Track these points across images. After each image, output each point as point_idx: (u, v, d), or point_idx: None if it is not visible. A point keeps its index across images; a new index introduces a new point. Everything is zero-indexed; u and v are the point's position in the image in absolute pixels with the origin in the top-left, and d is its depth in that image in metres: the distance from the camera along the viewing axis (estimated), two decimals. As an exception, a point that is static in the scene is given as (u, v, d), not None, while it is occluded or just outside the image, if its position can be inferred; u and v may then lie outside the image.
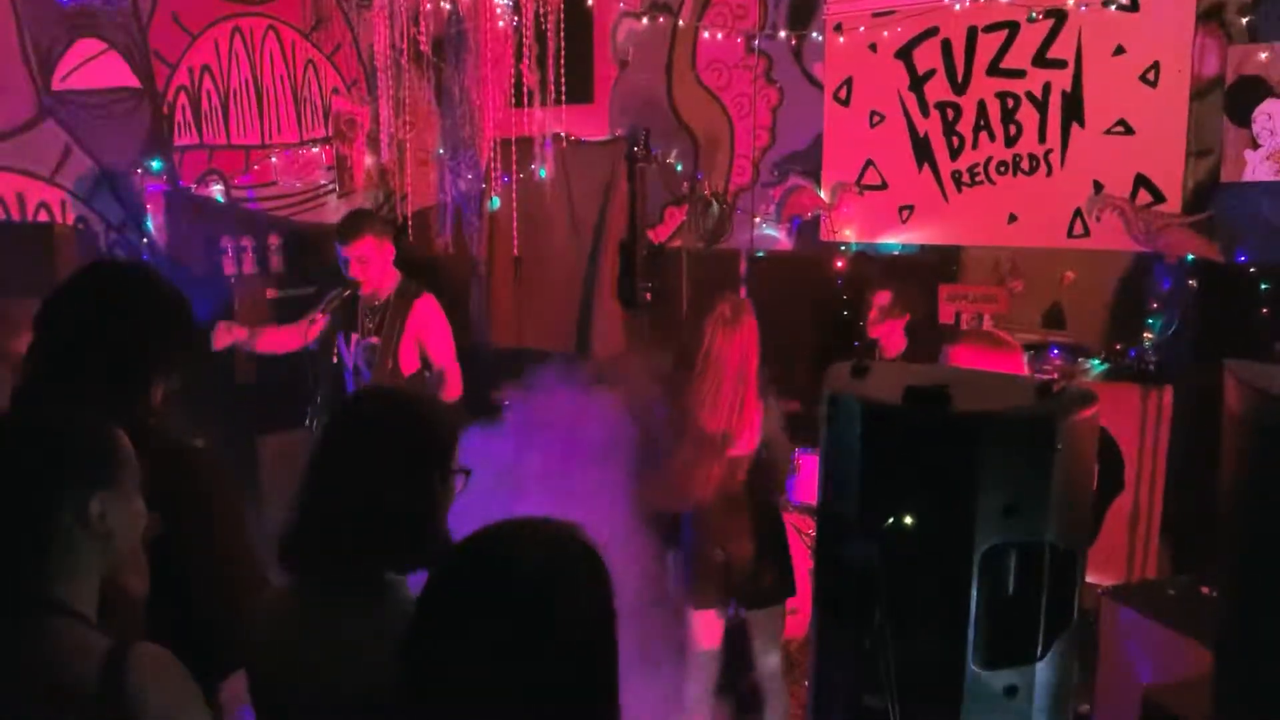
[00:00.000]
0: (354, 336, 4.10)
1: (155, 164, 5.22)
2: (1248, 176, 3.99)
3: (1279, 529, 1.26)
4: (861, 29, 4.85)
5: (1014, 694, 1.40)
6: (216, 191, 5.51)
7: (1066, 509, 1.39)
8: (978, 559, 1.36)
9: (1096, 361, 4.38)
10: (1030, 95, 4.48)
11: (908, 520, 1.38)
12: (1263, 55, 3.92)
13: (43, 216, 4.92)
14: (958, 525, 1.36)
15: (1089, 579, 3.65)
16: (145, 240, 5.16)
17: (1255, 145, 3.97)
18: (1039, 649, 1.40)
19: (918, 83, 4.76)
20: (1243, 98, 3.98)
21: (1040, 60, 4.43)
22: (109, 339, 1.91)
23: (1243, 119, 3.98)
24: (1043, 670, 1.41)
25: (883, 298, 4.28)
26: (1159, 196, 4.22)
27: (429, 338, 4.05)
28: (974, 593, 1.37)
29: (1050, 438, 1.36)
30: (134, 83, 5.21)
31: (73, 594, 1.48)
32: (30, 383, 1.90)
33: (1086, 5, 4.26)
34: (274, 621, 1.73)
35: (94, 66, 5.05)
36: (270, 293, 5.04)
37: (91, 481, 1.51)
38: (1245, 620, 1.34)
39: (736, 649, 3.55)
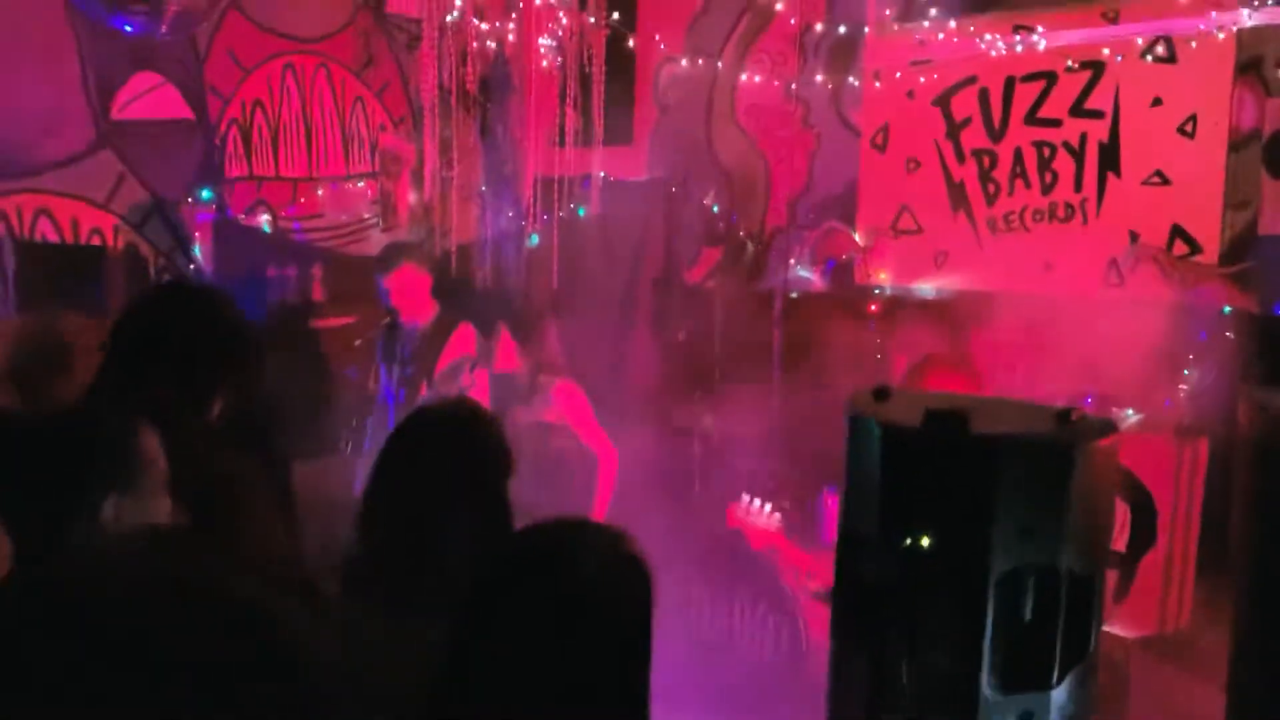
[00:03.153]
0: (394, 366, 4.19)
1: (205, 193, 5.37)
2: (1286, 229, 3.98)
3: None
4: (899, 76, 4.91)
5: (1029, 720, 1.41)
6: (264, 222, 5.65)
7: (1083, 535, 1.41)
8: (994, 582, 1.38)
9: (1131, 412, 4.35)
10: (1067, 144, 4.50)
11: (925, 541, 1.40)
12: (1301, 108, 3.92)
13: (95, 241, 5.07)
14: (974, 548, 1.38)
15: (1121, 631, 3.63)
16: (192, 267, 5.29)
17: (1294, 198, 3.96)
18: (1055, 676, 1.41)
19: (954, 130, 4.81)
20: (1281, 151, 3.98)
21: (1078, 110, 4.46)
22: (176, 353, 1.99)
23: (1281, 172, 3.98)
24: (1058, 697, 1.42)
25: (901, 363, 4.34)
26: (1195, 247, 4.21)
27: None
28: (989, 616, 1.38)
29: (1068, 463, 1.38)
30: (188, 115, 5.38)
31: None
32: (100, 389, 1.98)
33: (1123, 57, 4.29)
34: (329, 637, 1.74)
35: (151, 98, 5.23)
36: (313, 322, 5.14)
37: (107, 485, 1.54)
38: (1256, 639, 1.35)
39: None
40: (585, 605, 1.27)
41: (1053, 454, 1.39)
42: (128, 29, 4.61)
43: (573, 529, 1.40)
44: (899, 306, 4.88)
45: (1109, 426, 1.46)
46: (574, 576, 1.29)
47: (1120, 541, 4.14)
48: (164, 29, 4.54)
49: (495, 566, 1.36)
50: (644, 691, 1.31)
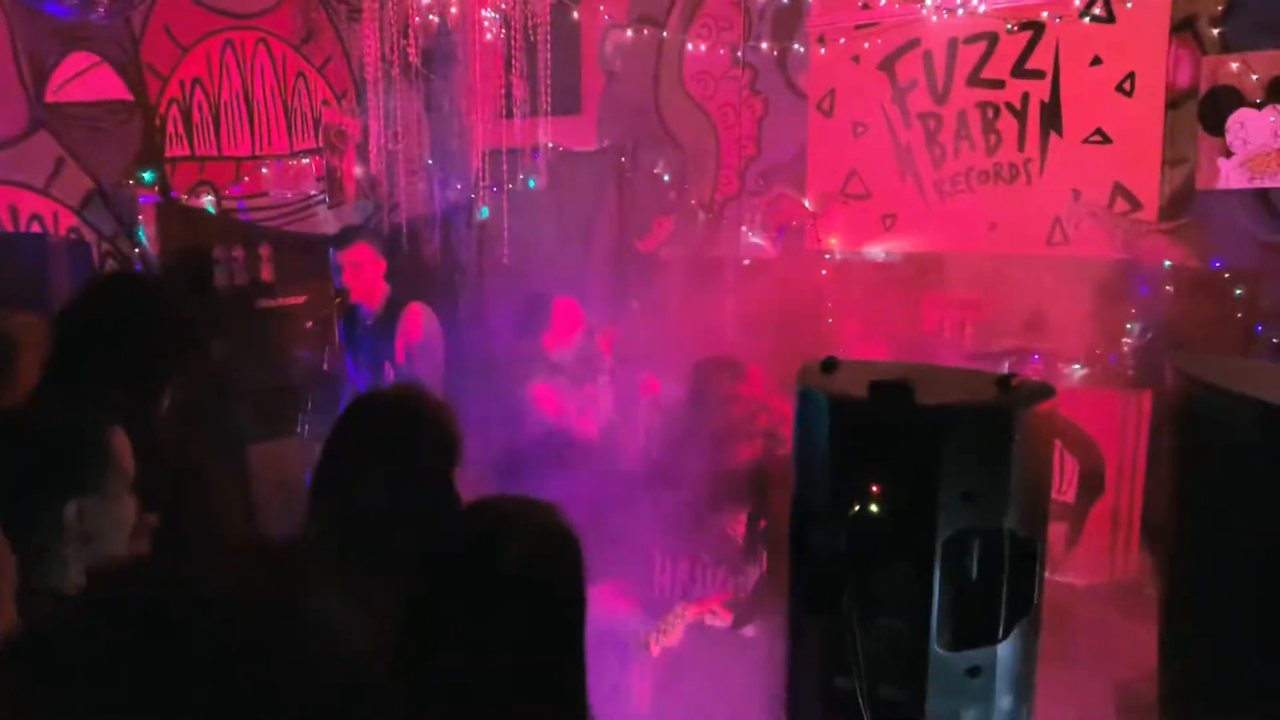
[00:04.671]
0: (358, 354, 4.18)
1: (147, 175, 5.27)
2: (1221, 184, 4.07)
3: (1207, 513, 1.32)
4: (843, 41, 4.93)
5: (977, 675, 1.46)
6: (208, 202, 5.57)
7: (1025, 496, 1.46)
8: (940, 546, 1.43)
9: (1077, 367, 4.45)
10: (1009, 105, 4.56)
11: (874, 509, 1.44)
12: (1234, 65, 4.00)
13: (35, 228, 4.97)
14: (921, 513, 1.42)
15: (1071, 579, 3.73)
16: (137, 251, 5.21)
17: (1228, 154, 4.05)
18: (1000, 631, 1.46)
19: (900, 93, 4.84)
20: (1216, 107, 4.06)
21: (1019, 71, 4.51)
22: (123, 347, 1.97)
23: (1216, 128, 4.07)
24: (1005, 652, 1.47)
25: (847, 329, 4.41)
26: (1136, 204, 4.29)
27: (415, 345, 4.10)
28: (937, 578, 1.43)
29: (1008, 429, 1.42)
30: (126, 95, 5.27)
31: (57, 581, 1.51)
32: (45, 389, 1.95)
33: (1062, 17, 4.34)
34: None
35: (87, 79, 5.11)
36: (261, 302, 5.08)
37: (67, 488, 1.53)
38: (1181, 608, 1.41)
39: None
40: (518, 576, 1.31)
41: (994, 420, 1.43)
42: (56, 11, 4.50)
43: (504, 505, 1.44)
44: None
45: (1047, 391, 1.50)
46: (506, 549, 1.34)
47: (1069, 493, 4.25)
48: (100, 12, 4.43)
49: (432, 544, 1.39)
50: (580, 655, 1.35)
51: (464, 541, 1.37)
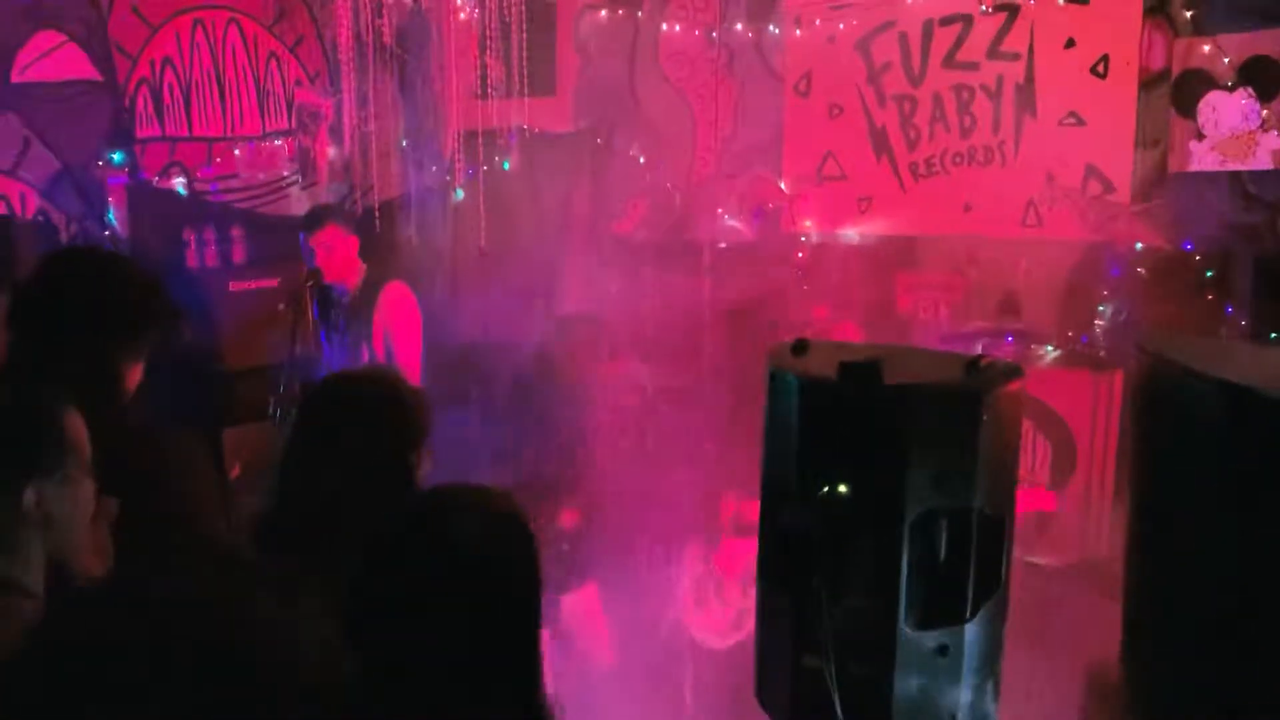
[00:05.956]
0: (332, 333, 4.14)
1: (116, 156, 5.21)
2: (1193, 167, 4.10)
3: (1172, 493, 1.33)
4: (819, 22, 4.92)
5: (945, 653, 1.47)
6: (179, 184, 5.50)
7: (993, 477, 1.46)
8: (909, 525, 1.43)
9: (1050, 348, 4.48)
10: (984, 87, 4.56)
11: (842, 489, 1.44)
12: (1206, 48, 4.02)
13: (2, 210, 4.90)
14: (890, 493, 1.43)
15: (1042, 560, 3.76)
16: (107, 233, 5.15)
17: (1200, 136, 4.07)
18: (968, 610, 1.47)
19: (875, 75, 4.84)
20: (1188, 90, 4.09)
21: (994, 53, 4.52)
22: (83, 325, 1.93)
23: (1188, 111, 4.09)
24: (972, 631, 1.48)
25: (820, 312, 4.42)
26: (1109, 186, 4.32)
27: (394, 325, 4.05)
28: (905, 557, 1.44)
29: (976, 410, 1.43)
30: (94, 75, 5.19)
31: (14, 571, 1.49)
32: (5, 368, 1.92)
33: (1036, 0, 4.35)
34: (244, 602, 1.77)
35: (53, 59, 5.04)
36: (233, 285, 5.04)
37: (25, 470, 1.50)
38: (1146, 588, 1.42)
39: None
40: (469, 558, 1.32)
41: (962, 401, 1.44)
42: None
43: (456, 492, 1.45)
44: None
45: (1015, 371, 1.51)
46: (455, 533, 1.34)
47: (1041, 473, 4.29)
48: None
49: (383, 529, 1.39)
50: (535, 639, 1.35)
51: (415, 524, 1.38)
